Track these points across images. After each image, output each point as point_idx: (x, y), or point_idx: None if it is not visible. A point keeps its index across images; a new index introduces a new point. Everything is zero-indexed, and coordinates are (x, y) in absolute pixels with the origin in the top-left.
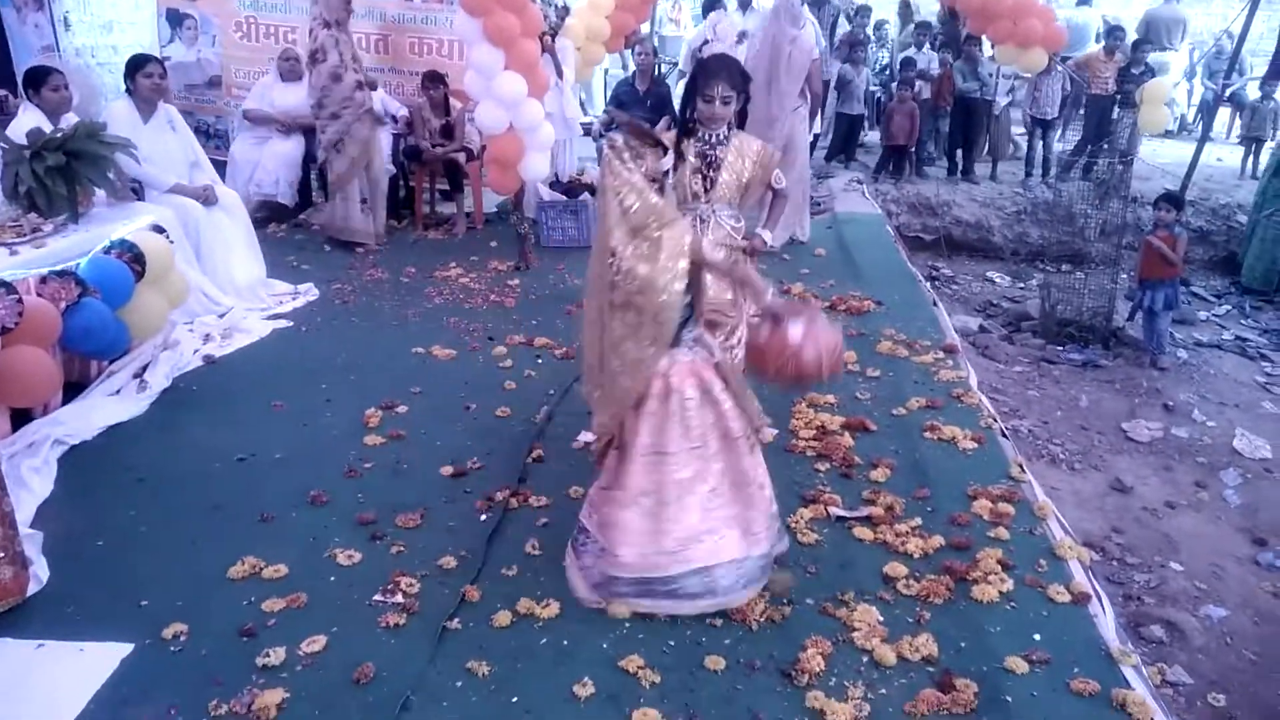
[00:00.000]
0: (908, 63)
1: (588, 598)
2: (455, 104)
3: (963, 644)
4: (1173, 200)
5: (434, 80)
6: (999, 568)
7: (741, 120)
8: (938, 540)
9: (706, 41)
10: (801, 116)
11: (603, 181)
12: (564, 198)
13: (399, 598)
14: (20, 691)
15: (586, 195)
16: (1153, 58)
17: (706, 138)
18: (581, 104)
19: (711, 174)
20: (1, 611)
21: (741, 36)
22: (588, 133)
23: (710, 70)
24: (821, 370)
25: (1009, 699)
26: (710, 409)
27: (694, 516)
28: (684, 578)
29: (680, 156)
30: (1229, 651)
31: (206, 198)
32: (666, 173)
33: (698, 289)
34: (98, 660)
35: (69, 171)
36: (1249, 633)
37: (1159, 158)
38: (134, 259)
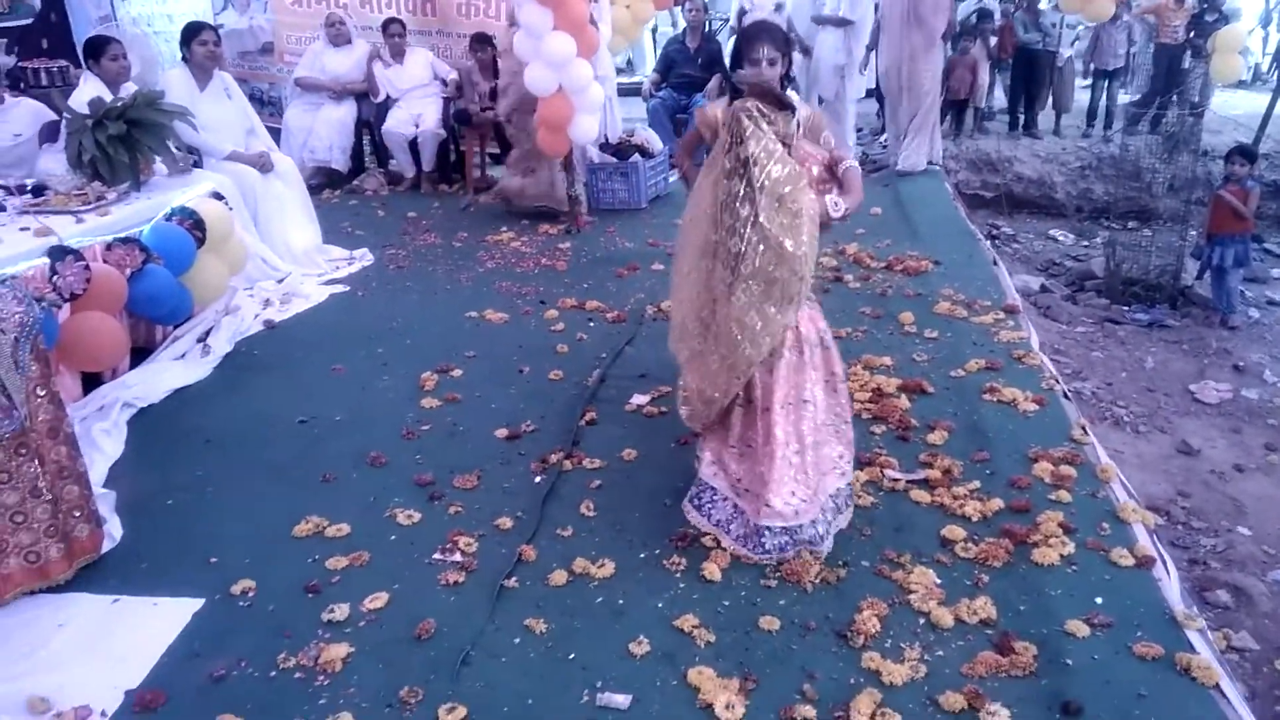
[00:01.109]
0: (985, 14)
1: (738, 551)
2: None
3: (1022, 607)
4: (1246, 153)
5: (482, 42)
6: (1060, 531)
7: (783, 84)
8: (997, 503)
9: (745, 11)
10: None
11: (736, 147)
12: (614, 159)
13: (457, 556)
14: (98, 644)
15: (637, 156)
16: (1227, 3)
17: None
18: (630, 63)
19: None
20: (79, 568)
21: (779, 6)
22: (637, 93)
23: (751, 35)
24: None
25: (1069, 662)
26: (822, 353)
27: (826, 458)
28: (817, 522)
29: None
30: None
31: (263, 165)
32: (794, 133)
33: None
34: (171, 614)
35: (130, 140)
36: None
37: (1231, 109)
38: (195, 225)
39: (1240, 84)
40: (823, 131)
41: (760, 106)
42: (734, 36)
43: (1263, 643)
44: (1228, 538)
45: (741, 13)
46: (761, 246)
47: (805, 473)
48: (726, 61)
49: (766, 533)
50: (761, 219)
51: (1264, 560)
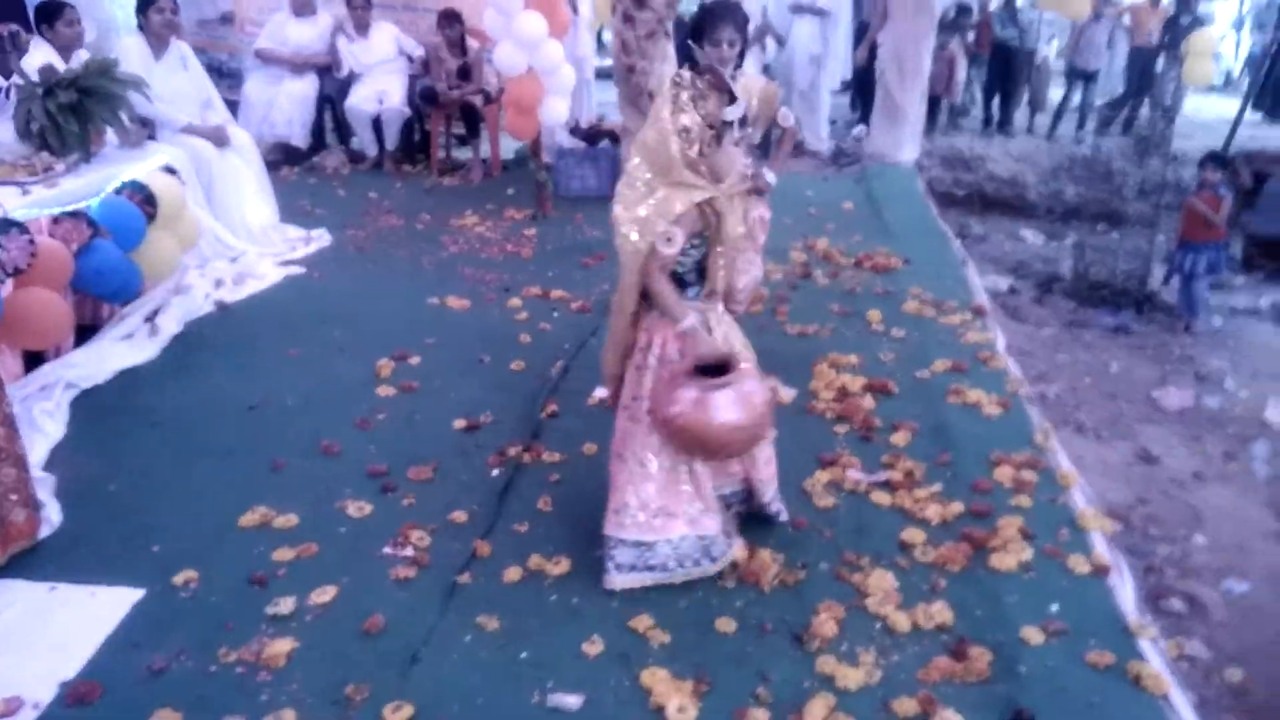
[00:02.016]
0: (964, 9)
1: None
2: (472, 44)
3: (978, 612)
4: (1218, 160)
5: (450, 19)
6: (1019, 536)
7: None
8: (957, 507)
9: None
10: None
11: (654, 109)
12: (584, 145)
13: (409, 551)
14: (32, 633)
15: (607, 143)
16: (1200, 7)
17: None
18: (603, 45)
19: None
20: (14, 554)
21: (796, 10)
22: (609, 76)
23: (714, 14)
24: (728, 448)
25: (1023, 669)
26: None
27: (668, 485)
28: (639, 547)
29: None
30: (1249, 627)
31: (219, 138)
32: (731, 124)
33: (713, 262)
34: (109, 604)
35: (81, 109)
36: (1271, 608)
37: (1203, 114)
38: (146, 200)
39: (1212, 89)
40: (780, 108)
41: (699, 81)
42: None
43: (1214, 651)
44: (1184, 546)
45: None
46: (615, 215)
47: (638, 487)
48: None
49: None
50: (625, 181)
51: (1219, 569)
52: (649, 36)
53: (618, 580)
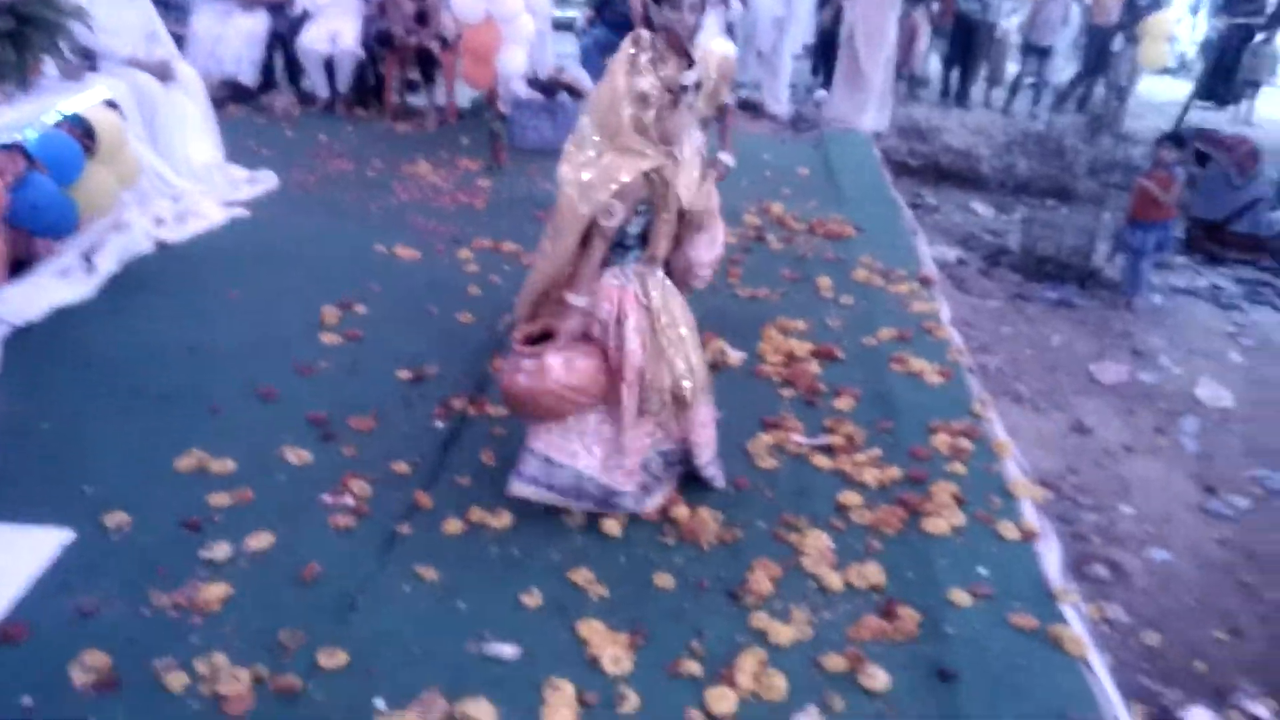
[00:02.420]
0: None
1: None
2: None
3: (910, 574)
4: (1176, 139)
5: None
6: (953, 502)
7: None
8: (895, 472)
9: None
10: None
11: (608, 72)
12: (541, 96)
13: (349, 500)
14: None
15: (564, 95)
16: None
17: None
18: None
19: None
20: None
21: None
22: (570, 28)
23: None
24: (524, 406)
25: (950, 630)
26: (618, 336)
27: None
28: (529, 455)
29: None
30: (1167, 594)
31: (164, 73)
32: (686, 89)
33: (656, 231)
34: (38, 543)
35: (19, 36)
36: (1190, 577)
37: (1156, 96)
38: (85, 134)
39: (1166, 71)
40: (730, 79)
41: (653, 39)
42: None
43: (1134, 616)
44: (1111, 515)
45: None
46: (561, 171)
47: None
48: None
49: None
50: (574, 136)
51: (1143, 538)
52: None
53: (518, 488)
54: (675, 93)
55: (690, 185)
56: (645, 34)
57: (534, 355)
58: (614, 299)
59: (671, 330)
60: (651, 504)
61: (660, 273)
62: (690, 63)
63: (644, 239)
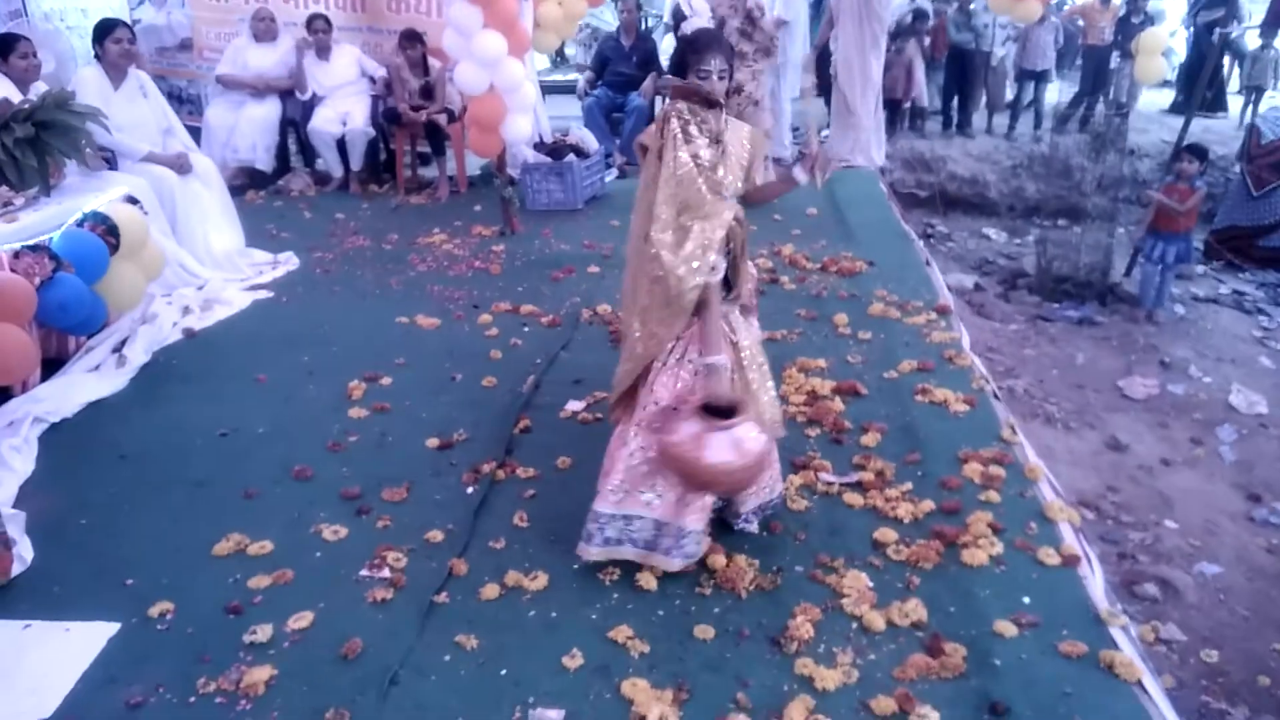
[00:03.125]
0: (920, 14)
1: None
2: (434, 63)
3: (952, 608)
4: (1197, 151)
5: (412, 39)
6: (989, 531)
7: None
8: (928, 505)
9: (684, 18)
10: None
11: (665, 151)
12: (549, 159)
13: (385, 573)
14: (8, 673)
15: (572, 157)
16: (1151, 4)
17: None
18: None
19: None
20: None
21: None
22: (571, 90)
23: (700, 45)
24: (718, 485)
25: (997, 662)
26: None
27: (648, 466)
28: (611, 519)
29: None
30: (1222, 608)
31: (181, 166)
32: (725, 131)
33: (736, 271)
34: (85, 640)
35: (39, 143)
36: (1242, 589)
37: (1157, 108)
38: (108, 231)
39: (1165, 84)
40: (766, 150)
41: (690, 107)
42: (670, 30)
43: (1189, 633)
44: (1155, 531)
45: (677, 13)
46: (655, 258)
47: (614, 460)
48: (663, 61)
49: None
50: (656, 229)
51: (1190, 553)
52: (764, 53)
53: (591, 552)
54: (722, 141)
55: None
56: (681, 105)
57: (726, 428)
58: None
59: (754, 367)
60: (706, 543)
61: (737, 311)
62: (719, 105)
63: (727, 284)
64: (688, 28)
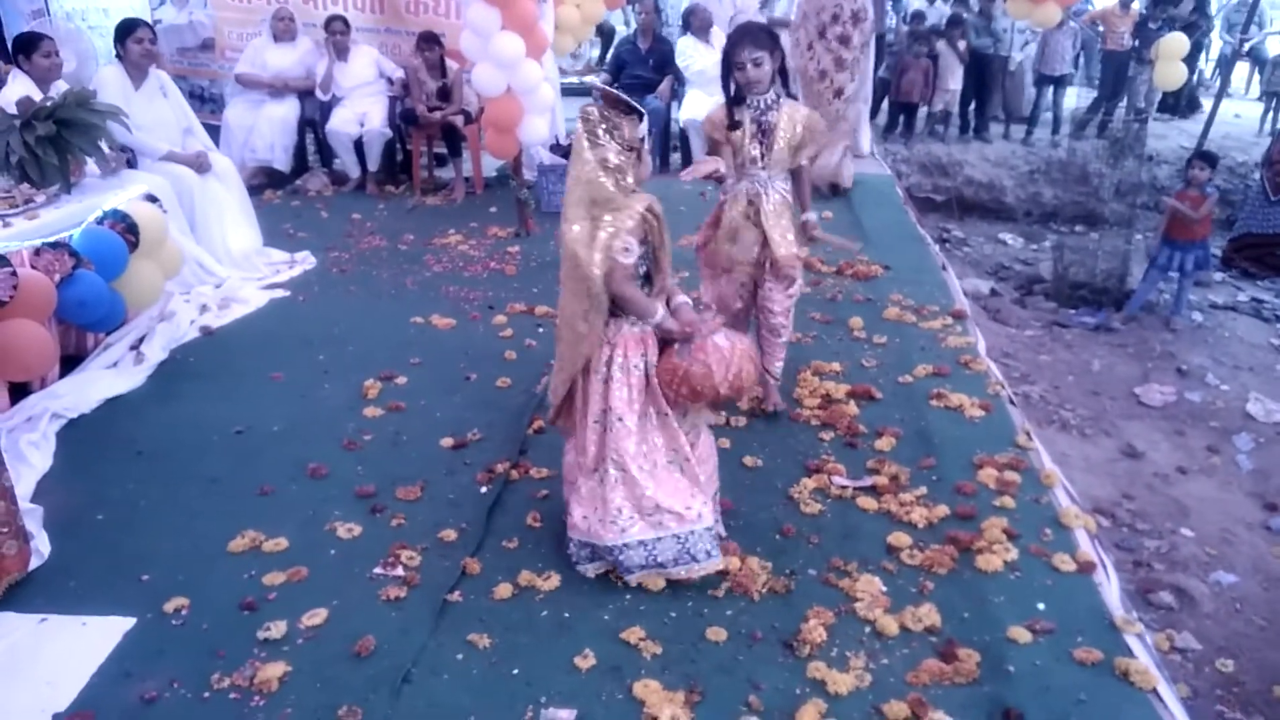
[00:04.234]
0: (917, 16)
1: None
2: (451, 65)
3: (966, 614)
4: (1208, 158)
5: (429, 41)
6: (1004, 537)
7: (784, 79)
8: (942, 510)
9: (735, 14)
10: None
11: (572, 156)
12: (564, 161)
13: (399, 571)
14: (24, 666)
15: None
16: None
17: (756, 104)
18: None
19: (767, 139)
20: (7, 587)
21: (764, 2)
22: (588, 93)
23: (733, 40)
24: (717, 389)
25: (1011, 668)
26: (647, 379)
27: (643, 487)
28: (624, 550)
29: (737, 124)
30: (1238, 617)
31: (200, 165)
32: (643, 139)
33: (657, 265)
34: (100, 634)
35: (60, 141)
36: (1258, 598)
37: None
38: (127, 229)
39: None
40: (819, 133)
41: (606, 111)
42: (686, 33)
43: (1205, 643)
44: (1171, 539)
45: (687, 14)
46: (568, 253)
47: (607, 495)
48: (679, 62)
49: (570, 541)
50: (567, 224)
51: (1206, 561)
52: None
53: (594, 568)
54: (637, 149)
55: (783, 234)
56: (592, 110)
57: (699, 344)
58: (641, 346)
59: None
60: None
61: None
62: (641, 117)
63: (648, 278)
64: (734, 25)
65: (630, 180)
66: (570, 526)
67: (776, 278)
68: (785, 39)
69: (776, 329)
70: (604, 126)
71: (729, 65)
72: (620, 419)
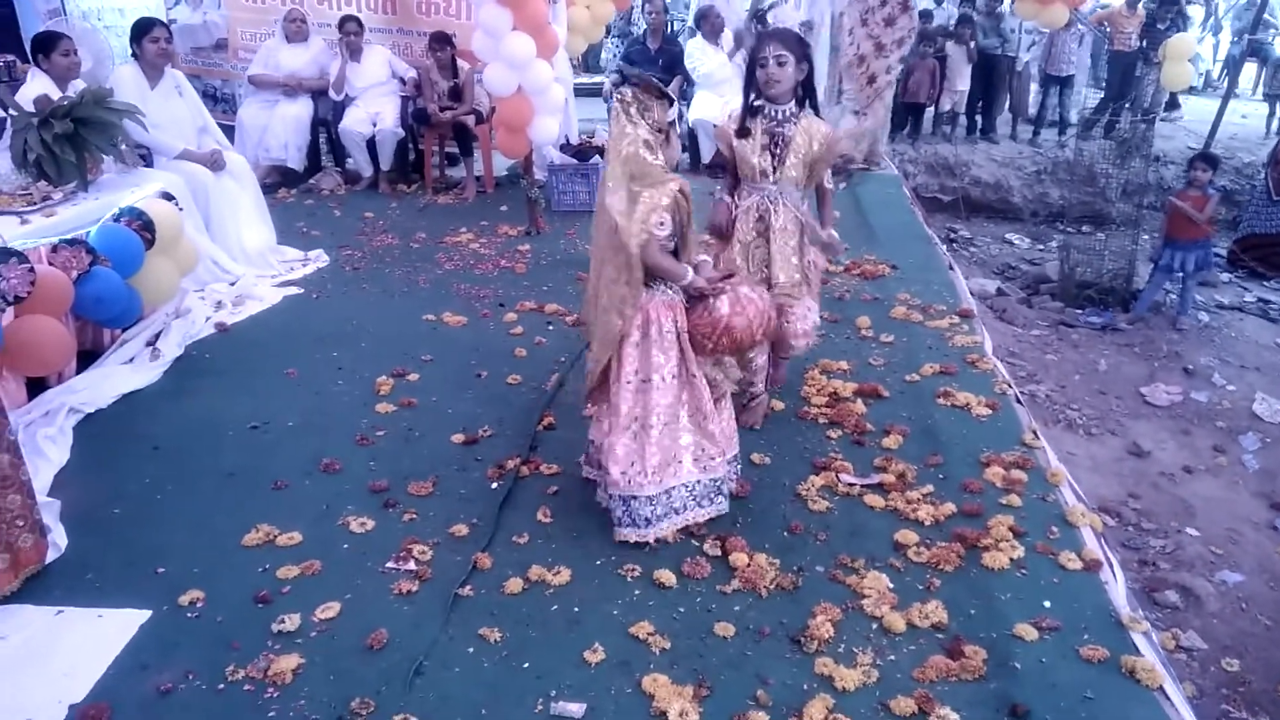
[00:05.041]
0: (924, 15)
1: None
2: (463, 65)
3: (972, 611)
4: (1209, 159)
5: (441, 41)
6: (1010, 535)
7: (811, 96)
8: (949, 507)
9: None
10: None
11: (611, 130)
12: (574, 161)
13: (411, 565)
14: (41, 657)
15: (597, 158)
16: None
17: (774, 115)
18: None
19: (779, 152)
20: (24, 579)
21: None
22: (598, 94)
23: (763, 38)
24: (754, 336)
25: (1018, 665)
26: (678, 341)
27: (668, 440)
28: (657, 499)
29: (745, 132)
30: (1243, 616)
31: (215, 163)
32: (672, 124)
33: (684, 242)
34: (116, 626)
35: (77, 139)
36: (1264, 598)
37: (1183, 115)
38: (143, 226)
39: (1191, 90)
40: (835, 155)
41: (639, 94)
42: (694, 34)
43: (1210, 642)
44: (1177, 539)
45: (699, 16)
46: (605, 221)
47: (646, 450)
48: (687, 64)
49: (610, 498)
50: (609, 196)
51: (1211, 561)
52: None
53: (650, 533)
54: (665, 131)
55: (787, 259)
56: (627, 91)
57: (734, 297)
58: (671, 312)
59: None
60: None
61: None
62: (671, 102)
63: (674, 253)
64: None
65: (661, 159)
66: (610, 484)
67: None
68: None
69: (791, 345)
70: (636, 107)
71: (753, 68)
72: (661, 379)
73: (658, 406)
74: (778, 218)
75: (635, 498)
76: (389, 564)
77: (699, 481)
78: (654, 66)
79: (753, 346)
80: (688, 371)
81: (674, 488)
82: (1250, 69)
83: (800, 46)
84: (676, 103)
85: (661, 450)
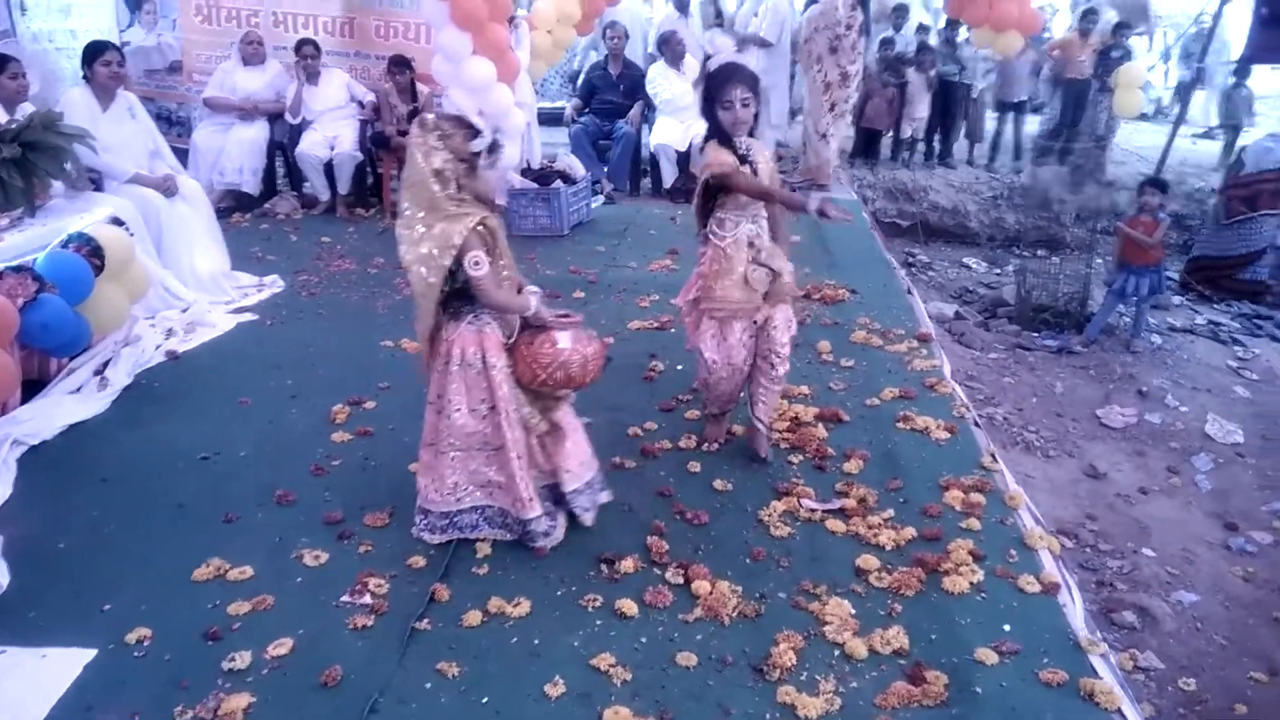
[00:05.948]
0: (886, 43)
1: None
2: (422, 89)
3: (933, 636)
4: (1159, 185)
5: (400, 65)
6: (970, 559)
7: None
8: (910, 532)
9: (709, 57)
10: None
11: (407, 159)
12: (535, 185)
13: (367, 599)
14: None
15: (559, 183)
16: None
17: (740, 147)
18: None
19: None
20: None
21: (741, 45)
22: (559, 120)
23: (721, 78)
24: (585, 376)
25: (979, 690)
26: (484, 376)
27: (460, 466)
28: (458, 515)
29: (744, 160)
30: (1199, 636)
31: (167, 188)
32: (478, 154)
33: (498, 273)
34: (60, 666)
35: (25, 164)
36: (1219, 617)
37: (1136, 142)
38: (92, 253)
39: (1144, 117)
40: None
41: (440, 122)
42: (656, 60)
43: (1167, 662)
44: (1133, 559)
45: (706, 57)
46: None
47: (441, 471)
48: (649, 89)
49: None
50: (401, 227)
51: (1167, 581)
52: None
53: (433, 538)
54: (469, 160)
55: (783, 263)
56: (428, 118)
57: (566, 330)
58: (478, 344)
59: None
60: (559, 533)
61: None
62: (475, 133)
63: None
64: (712, 64)
65: (455, 191)
66: (418, 488)
67: (774, 304)
68: (781, 54)
69: (776, 365)
70: (436, 134)
71: (713, 102)
72: (456, 409)
73: (451, 431)
74: (763, 239)
75: (429, 512)
76: (344, 598)
77: (489, 507)
78: (615, 91)
79: (581, 386)
80: (495, 406)
81: (464, 510)
82: (1201, 97)
83: (755, 81)
84: (486, 138)
85: (455, 474)
